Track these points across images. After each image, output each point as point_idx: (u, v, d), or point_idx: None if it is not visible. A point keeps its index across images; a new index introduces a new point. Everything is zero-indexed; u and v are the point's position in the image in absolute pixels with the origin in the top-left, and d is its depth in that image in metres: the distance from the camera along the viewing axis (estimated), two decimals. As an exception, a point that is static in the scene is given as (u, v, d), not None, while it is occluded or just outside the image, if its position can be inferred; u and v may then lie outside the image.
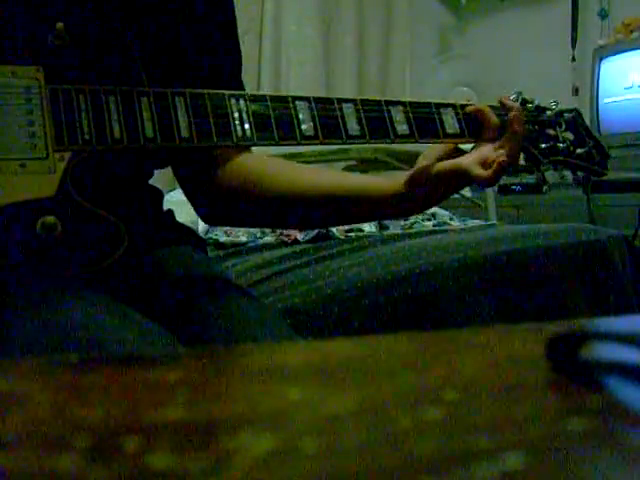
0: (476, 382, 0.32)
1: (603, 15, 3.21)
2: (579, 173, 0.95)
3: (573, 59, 3.27)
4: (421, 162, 0.81)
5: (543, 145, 0.89)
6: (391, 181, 0.83)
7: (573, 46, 3.27)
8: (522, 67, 3.28)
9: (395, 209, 0.84)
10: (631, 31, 2.93)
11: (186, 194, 0.92)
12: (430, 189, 0.80)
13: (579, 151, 0.92)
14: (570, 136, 0.92)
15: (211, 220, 0.97)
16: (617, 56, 2.91)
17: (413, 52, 3.53)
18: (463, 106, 0.84)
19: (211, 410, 0.28)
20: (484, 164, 0.78)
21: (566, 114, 0.93)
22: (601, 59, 2.94)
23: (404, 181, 0.81)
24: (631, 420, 0.26)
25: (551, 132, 0.91)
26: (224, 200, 0.89)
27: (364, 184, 0.85)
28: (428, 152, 0.82)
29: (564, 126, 0.92)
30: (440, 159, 0.80)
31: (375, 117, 0.78)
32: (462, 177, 0.78)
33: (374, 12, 3.44)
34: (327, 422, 0.26)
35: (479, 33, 3.69)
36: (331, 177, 0.88)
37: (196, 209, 0.92)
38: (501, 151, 0.79)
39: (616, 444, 0.24)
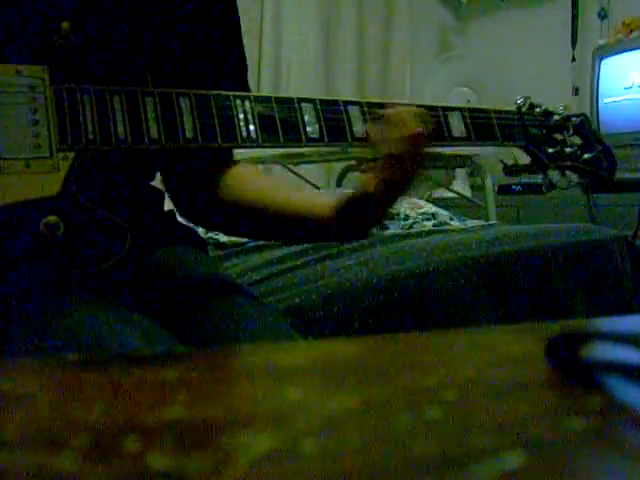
0: (476, 382, 0.32)
1: (603, 15, 3.21)
2: (584, 178, 0.94)
3: (573, 59, 3.26)
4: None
5: (550, 150, 0.89)
6: (336, 200, 0.79)
7: (573, 46, 3.26)
8: (522, 67, 3.28)
9: (347, 226, 0.79)
10: (631, 31, 2.92)
11: (173, 202, 0.91)
12: (365, 204, 0.76)
13: (586, 156, 0.91)
14: (578, 141, 0.91)
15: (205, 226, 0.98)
16: (617, 56, 2.91)
17: (413, 52, 3.53)
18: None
19: (211, 410, 0.28)
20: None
21: (574, 119, 0.92)
22: (601, 59, 2.93)
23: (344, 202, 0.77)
24: (631, 420, 0.26)
25: (558, 137, 0.90)
26: (211, 211, 0.88)
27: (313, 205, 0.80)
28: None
29: (572, 131, 0.91)
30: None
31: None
32: (379, 180, 0.73)
33: (374, 12, 3.43)
34: (327, 422, 0.26)
35: (479, 33, 3.68)
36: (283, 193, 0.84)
37: (181, 213, 0.92)
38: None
39: (616, 444, 0.24)
